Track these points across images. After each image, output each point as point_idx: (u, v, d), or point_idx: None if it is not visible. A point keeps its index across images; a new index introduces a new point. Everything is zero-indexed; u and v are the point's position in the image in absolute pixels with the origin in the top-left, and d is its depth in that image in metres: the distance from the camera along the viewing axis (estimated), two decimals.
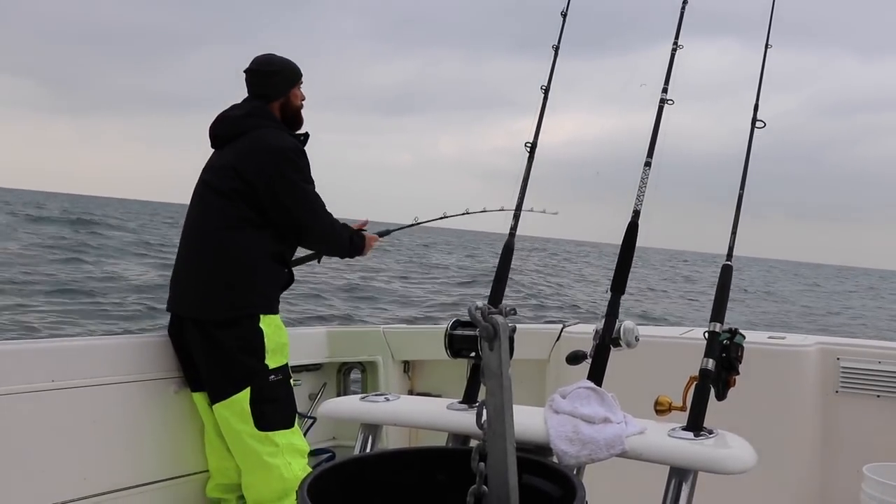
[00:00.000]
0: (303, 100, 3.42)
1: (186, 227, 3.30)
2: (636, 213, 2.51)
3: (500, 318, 1.55)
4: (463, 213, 4.02)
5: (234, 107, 3.35)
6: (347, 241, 3.44)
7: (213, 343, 3.12)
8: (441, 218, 4.02)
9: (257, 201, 3.16)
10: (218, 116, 3.35)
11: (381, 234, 3.76)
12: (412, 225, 4.05)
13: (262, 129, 3.25)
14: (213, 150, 3.37)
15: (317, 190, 3.33)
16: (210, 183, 3.25)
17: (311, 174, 3.31)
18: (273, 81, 3.34)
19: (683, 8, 2.82)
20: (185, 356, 3.26)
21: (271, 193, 3.16)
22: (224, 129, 3.32)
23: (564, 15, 3.02)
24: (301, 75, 3.41)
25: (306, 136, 3.40)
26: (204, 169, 3.33)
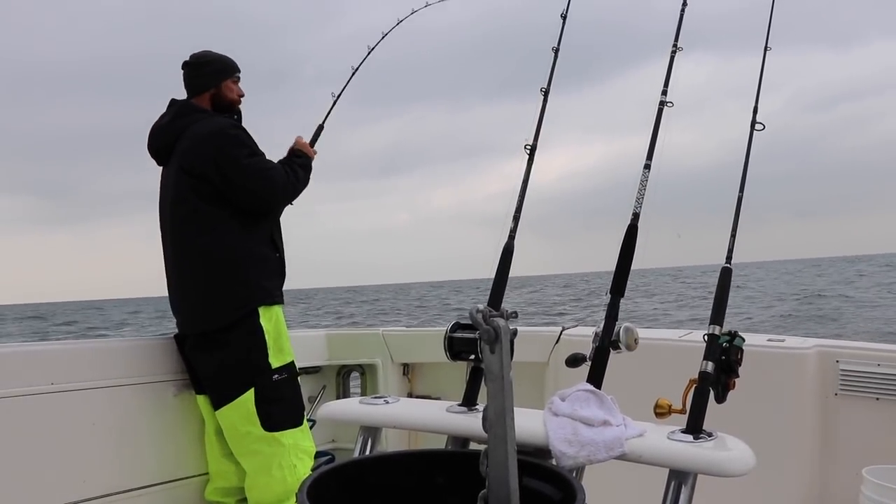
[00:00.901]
0: (240, 95, 3.39)
1: (165, 249, 3.28)
2: (635, 216, 2.51)
3: (501, 322, 1.55)
4: (424, 7, 3.82)
5: (161, 115, 3.33)
6: (303, 176, 3.38)
7: (216, 348, 3.12)
8: (352, 75, 3.81)
9: (217, 192, 3.14)
10: (150, 131, 3.33)
11: (316, 137, 3.66)
12: (333, 104, 3.78)
13: (194, 123, 3.23)
14: (160, 167, 3.34)
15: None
16: (171, 198, 3.22)
17: (253, 144, 3.25)
18: (205, 71, 3.33)
19: (683, 10, 2.82)
20: (190, 366, 3.27)
21: (221, 176, 3.13)
22: (159, 141, 3.30)
23: (564, 17, 3.02)
24: (236, 70, 3.38)
25: (239, 115, 3.38)
26: (160, 191, 3.31)
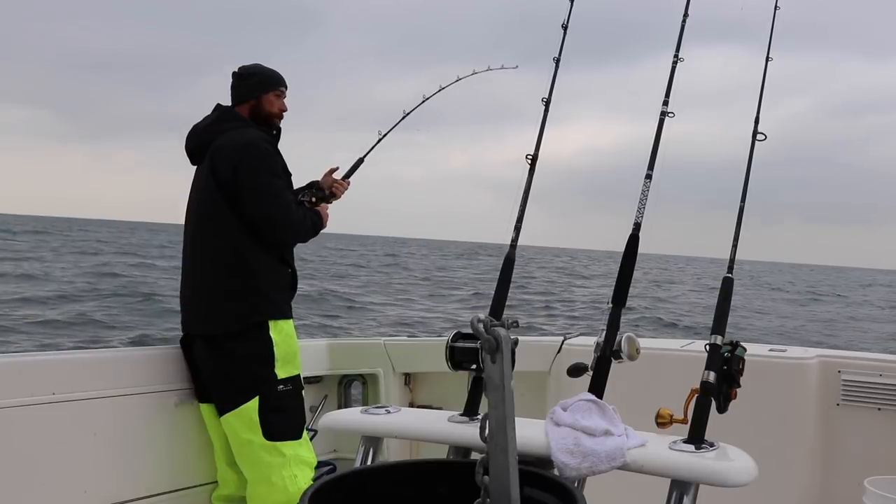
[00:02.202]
0: (282, 109, 3.39)
1: (185, 246, 3.31)
2: (637, 226, 2.52)
3: (502, 331, 1.55)
4: (454, 81, 3.77)
5: (204, 118, 3.37)
6: (310, 227, 3.35)
7: (223, 354, 3.13)
8: (402, 119, 3.76)
9: (234, 200, 3.15)
10: (189, 131, 3.36)
11: (352, 170, 3.65)
12: (378, 141, 3.73)
13: (230, 130, 3.25)
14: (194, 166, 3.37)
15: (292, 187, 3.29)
16: (197, 198, 3.26)
17: (280, 168, 3.25)
18: (247, 83, 3.35)
19: (684, 22, 2.83)
20: (196, 372, 3.27)
21: (238, 184, 3.14)
22: (195, 142, 3.33)
23: (565, 28, 3.03)
24: (279, 84, 3.38)
25: (278, 131, 3.38)
26: (190, 191, 3.33)
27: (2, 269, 25.27)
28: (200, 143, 3.30)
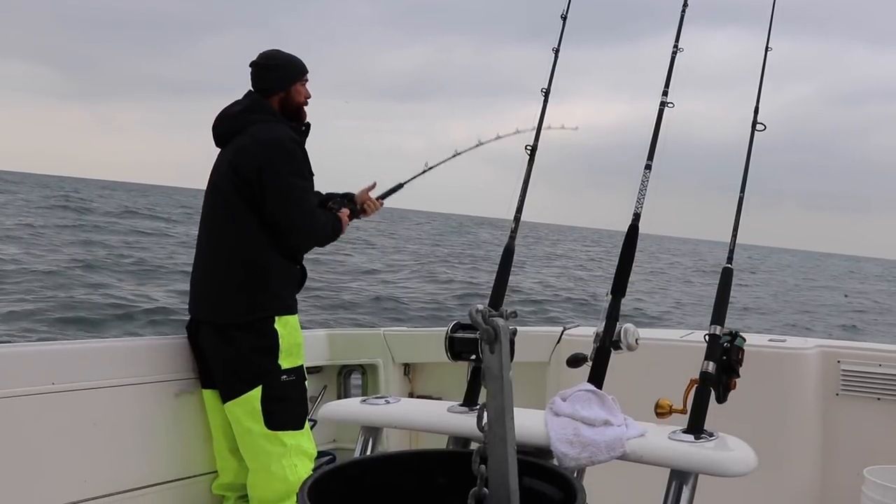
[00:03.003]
0: (307, 97, 3.38)
1: (200, 230, 3.32)
2: (636, 216, 2.51)
3: (500, 321, 1.55)
4: (476, 146, 3.77)
5: (234, 103, 3.34)
6: (330, 232, 3.35)
7: (229, 344, 3.14)
8: (452, 157, 3.78)
9: (256, 196, 3.15)
10: (219, 115, 3.34)
11: (389, 193, 3.67)
12: (423, 172, 3.77)
13: (260, 123, 3.24)
14: (218, 149, 3.37)
15: (315, 184, 3.31)
16: (216, 185, 3.26)
17: (307, 169, 3.26)
18: (275, 76, 3.32)
19: (683, 11, 2.83)
20: (201, 356, 3.28)
21: (261, 182, 3.13)
22: (224, 128, 3.32)
23: (564, 18, 3.02)
24: (305, 72, 3.37)
25: (307, 126, 3.37)
26: (212, 170, 3.33)
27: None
28: (228, 130, 3.29)
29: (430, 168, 3.73)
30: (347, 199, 3.55)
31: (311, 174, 3.32)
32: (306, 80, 3.38)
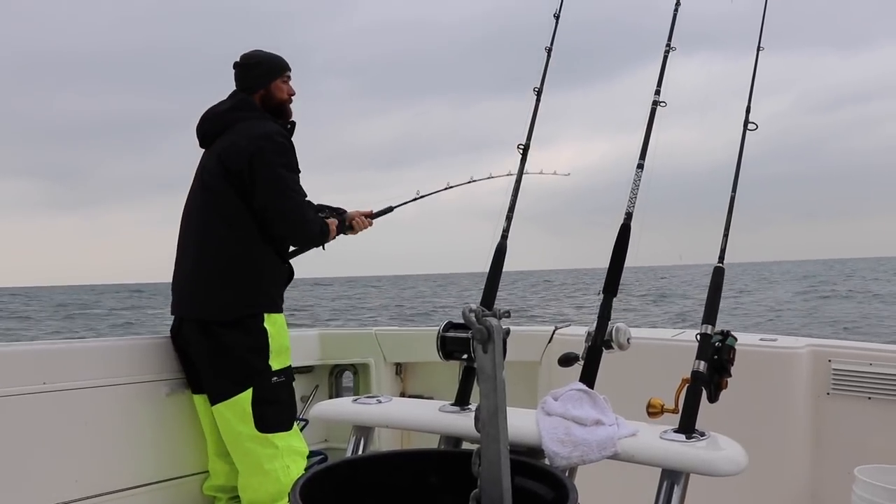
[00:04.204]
0: (290, 94, 3.39)
1: (183, 227, 3.29)
2: (628, 216, 2.51)
3: (493, 321, 1.55)
4: (468, 182, 3.86)
5: (219, 103, 3.35)
6: (318, 232, 3.34)
7: (217, 343, 3.12)
8: (444, 189, 3.87)
9: (246, 191, 3.15)
10: (203, 114, 3.35)
11: (381, 213, 3.71)
12: (415, 199, 3.86)
13: (246, 121, 3.24)
14: (203, 149, 3.37)
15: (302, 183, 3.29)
16: (206, 183, 3.25)
17: (296, 162, 3.26)
18: (254, 73, 3.33)
19: (676, 9, 2.83)
20: (186, 358, 3.26)
21: (252, 175, 3.13)
22: (209, 126, 3.32)
23: (557, 17, 3.02)
24: (286, 69, 3.38)
25: (292, 125, 3.38)
26: (197, 170, 3.33)
27: None
28: (214, 128, 3.29)
29: (422, 196, 3.81)
30: (338, 213, 3.56)
31: (299, 170, 3.31)
32: (288, 78, 3.39)
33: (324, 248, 3.46)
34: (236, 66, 3.36)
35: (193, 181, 3.31)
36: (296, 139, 3.33)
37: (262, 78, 3.33)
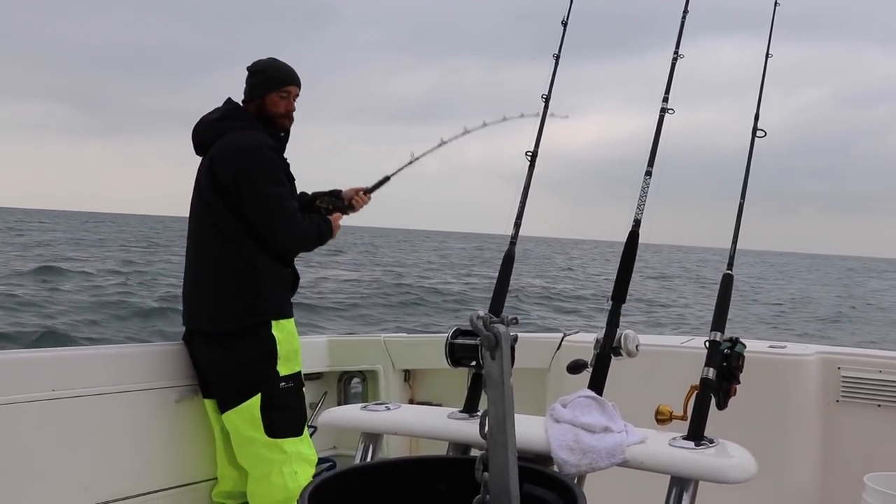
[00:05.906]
0: (287, 110, 3.31)
1: (188, 240, 3.31)
2: (636, 223, 2.51)
3: (501, 328, 1.55)
4: (482, 126, 3.70)
5: (213, 110, 3.35)
6: (315, 237, 3.31)
7: (225, 351, 3.13)
8: (438, 146, 3.71)
9: (235, 206, 3.15)
10: (197, 123, 3.35)
11: (377, 186, 3.61)
12: (409, 163, 3.71)
13: (235, 130, 3.23)
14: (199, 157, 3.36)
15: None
16: (199, 193, 3.26)
17: (283, 175, 3.23)
18: (251, 82, 3.32)
19: (684, 18, 2.83)
20: (197, 367, 3.27)
21: (238, 192, 3.13)
22: (202, 136, 3.32)
23: (565, 24, 3.02)
24: (284, 83, 3.29)
25: (286, 134, 3.34)
26: (195, 180, 3.32)
27: None
28: (206, 138, 3.29)
29: (416, 159, 3.69)
30: (334, 196, 3.51)
31: (291, 178, 3.30)
32: (287, 94, 3.31)
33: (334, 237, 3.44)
34: (248, 70, 3.36)
35: (193, 187, 3.32)
36: (294, 139, 3.35)
37: (257, 88, 3.30)
